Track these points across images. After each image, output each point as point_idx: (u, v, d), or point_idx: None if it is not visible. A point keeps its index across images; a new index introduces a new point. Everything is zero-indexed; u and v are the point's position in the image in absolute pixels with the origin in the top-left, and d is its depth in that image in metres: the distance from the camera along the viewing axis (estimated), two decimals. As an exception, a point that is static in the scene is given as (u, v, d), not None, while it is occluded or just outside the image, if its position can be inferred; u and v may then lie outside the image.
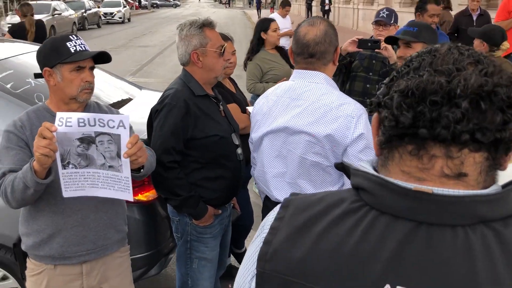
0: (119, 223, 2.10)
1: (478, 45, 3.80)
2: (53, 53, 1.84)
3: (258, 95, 4.42)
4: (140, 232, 2.64)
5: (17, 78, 2.83)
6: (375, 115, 0.79)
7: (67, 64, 1.83)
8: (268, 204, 2.13)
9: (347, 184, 1.90)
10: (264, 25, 4.43)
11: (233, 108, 2.88)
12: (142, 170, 1.88)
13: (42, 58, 1.89)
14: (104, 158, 1.70)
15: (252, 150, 2.24)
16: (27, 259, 2.02)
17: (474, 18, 6.22)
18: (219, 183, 2.38)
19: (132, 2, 51.96)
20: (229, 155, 2.39)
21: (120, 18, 31.12)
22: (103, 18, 29.60)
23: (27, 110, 1.95)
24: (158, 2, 67.96)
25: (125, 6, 33.41)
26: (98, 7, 30.41)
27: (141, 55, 15.39)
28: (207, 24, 2.30)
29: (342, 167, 0.84)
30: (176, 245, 2.66)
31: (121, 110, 3.08)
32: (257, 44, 4.48)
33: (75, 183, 1.73)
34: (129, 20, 33.39)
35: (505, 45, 3.80)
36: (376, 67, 3.86)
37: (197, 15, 44.71)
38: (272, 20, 4.50)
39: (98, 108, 2.05)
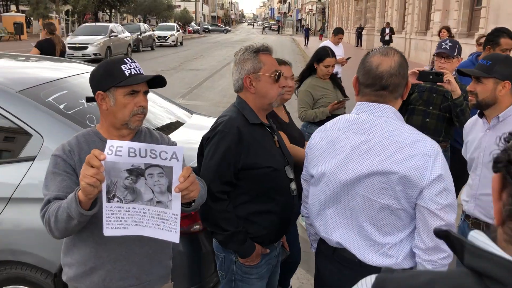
0: (164, 258, 1.98)
1: None
2: (107, 77, 1.77)
3: (309, 122, 4.32)
4: (183, 266, 2.51)
5: (71, 99, 2.81)
6: (497, 175, 0.62)
7: (121, 88, 1.75)
8: (323, 248, 1.94)
9: (424, 228, 1.69)
10: (320, 56, 4.36)
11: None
12: (193, 204, 1.75)
13: (96, 82, 1.81)
14: (153, 192, 1.58)
15: (306, 187, 2.07)
16: (67, 291, 1.93)
17: None
18: (269, 219, 2.22)
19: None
20: (281, 189, 2.23)
21: (173, 41, 32.16)
22: (157, 41, 30.64)
23: (77, 134, 1.87)
24: (210, 28, 69.92)
25: (178, 30, 34.48)
26: (153, 30, 31.50)
27: (191, 78, 15.64)
28: (262, 50, 2.20)
29: (446, 236, 0.66)
30: (219, 281, 2.51)
31: (171, 135, 3.01)
32: (307, 71, 4.41)
33: (118, 220, 1.60)
34: (181, 43, 34.43)
35: None
36: (437, 101, 3.63)
37: (246, 40, 45.69)
38: (328, 55, 4.32)
39: (149, 134, 1.96)
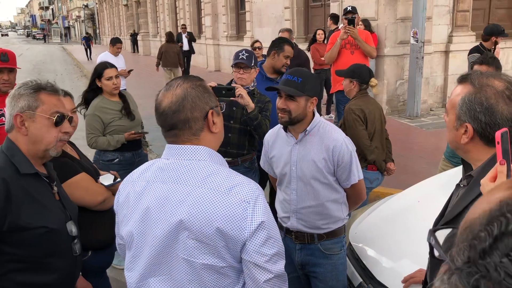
0: None
1: (348, 84, 3.76)
2: None
3: (103, 150, 3.72)
4: None
5: None
6: None
7: None
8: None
9: (253, 284, 1.46)
10: (97, 71, 3.79)
11: (84, 179, 2.35)
12: None
13: None
14: None
15: (122, 251, 1.69)
16: None
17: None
18: None
19: None
20: (61, 251, 1.89)
21: None
22: None
23: None
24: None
25: None
26: None
27: None
28: (45, 87, 1.87)
29: None
30: None
31: None
32: (92, 92, 3.83)
33: None
34: None
35: (373, 81, 3.80)
36: (237, 115, 3.53)
37: (7, 52, 40.62)
38: (106, 66, 3.82)
39: None
